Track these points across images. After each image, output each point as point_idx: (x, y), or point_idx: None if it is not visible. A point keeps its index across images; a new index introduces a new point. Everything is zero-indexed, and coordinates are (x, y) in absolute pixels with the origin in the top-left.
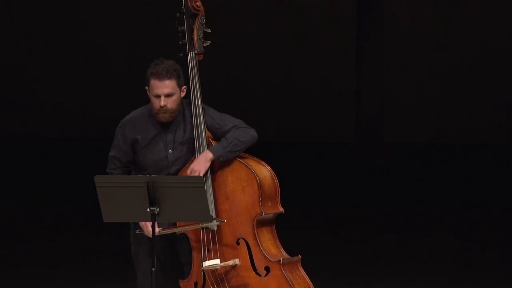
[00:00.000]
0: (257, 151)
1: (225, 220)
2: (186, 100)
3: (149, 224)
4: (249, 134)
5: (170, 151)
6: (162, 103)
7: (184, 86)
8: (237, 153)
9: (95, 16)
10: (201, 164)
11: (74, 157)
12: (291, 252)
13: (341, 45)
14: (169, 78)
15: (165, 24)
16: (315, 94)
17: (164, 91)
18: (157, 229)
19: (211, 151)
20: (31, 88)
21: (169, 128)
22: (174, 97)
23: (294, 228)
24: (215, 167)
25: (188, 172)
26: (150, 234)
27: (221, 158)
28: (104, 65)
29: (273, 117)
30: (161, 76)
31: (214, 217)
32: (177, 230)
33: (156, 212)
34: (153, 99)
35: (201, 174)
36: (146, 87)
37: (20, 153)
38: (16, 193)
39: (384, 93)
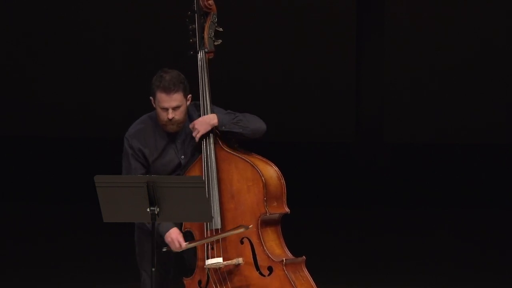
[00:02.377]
0: (257, 151)
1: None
2: (192, 103)
3: (175, 240)
4: (258, 122)
5: (182, 156)
6: (170, 116)
7: (190, 95)
8: (241, 129)
9: (95, 16)
10: (203, 125)
11: (74, 157)
12: (296, 252)
13: (341, 45)
14: (176, 91)
15: (165, 24)
16: (315, 94)
17: (172, 105)
18: (183, 244)
19: (217, 116)
20: (31, 88)
21: (178, 135)
22: (181, 109)
23: (294, 228)
24: (221, 166)
25: (190, 126)
26: (179, 250)
27: (224, 127)
28: (104, 65)
29: (273, 117)
30: (168, 90)
31: (214, 216)
32: (201, 242)
33: (156, 212)
34: (160, 111)
35: (199, 135)
36: (151, 98)
37: (20, 153)
38: (16, 193)
39: (384, 93)
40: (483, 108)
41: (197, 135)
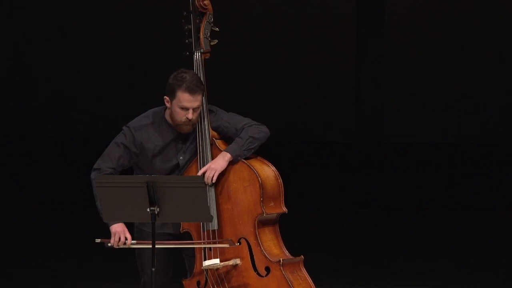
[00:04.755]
0: (256, 151)
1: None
2: None
3: (121, 232)
4: (262, 131)
5: (181, 157)
6: (191, 116)
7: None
8: (252, 150)
9: (97, 18)
10: (218, 163)
11: (74, 157)
12: (295, 252)
13: (341, 45)
14: (200, 93)
15: (165, 25)
16: (315, 94)
17: (194, 105)
18: (129, 241)
19: (228, 151)
20: (31, 89)
21: (180, 136)
22: (199, 110)
23: (293, 228)
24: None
25: (203, 170)
26: (116, 245)
27: (239, 157)
28: (104, 66)
29: (273, 117)
30: (192, 91)
31: (213, 216)
32: (145, 246)
33: (156, 212)
34: (179, 110)
35: (217, 173)
36: (166, 97)
37: (20, 153)
38: (16, 193)
39: (384, 93)
40: (483, 108)
41: (214, 175)
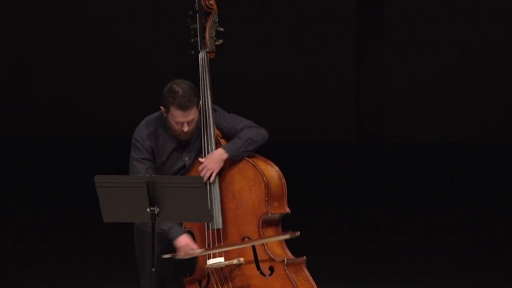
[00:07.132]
0: (257, 151)
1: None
2: None
3: (191, 243)
4: (260, 134)
5: (186, 158)
6: (186, 129)
7: (200, 103)
8: (249, 152)
9: (97, 18)
10: (215, 162)
11: (74, 157)
12: (297, 252)
13: (341, 45)
14: (192, 107)
15: (165, 25)
16: (315, 94)
17: (188, 119)
18: (196, 250)
19: (225, 150)
20: (31, 89)
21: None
22: (195, 120)
23: (293, 228)
24: (223, 166)
25: (200, 169)
26: (186, 256)
27: (235, 158)
28: (104, 65)
29: (273, 117)
30: (184, 108)
31: (215, 216)
32: (216, 251)
33: (156, 212)
34: (174, 124)
35: (214, 173)
36: (162, 108)
37: (20, 153)
38: (16, 193)
39: (384, 93)
40: (483, 108)
41: (212, 175)
